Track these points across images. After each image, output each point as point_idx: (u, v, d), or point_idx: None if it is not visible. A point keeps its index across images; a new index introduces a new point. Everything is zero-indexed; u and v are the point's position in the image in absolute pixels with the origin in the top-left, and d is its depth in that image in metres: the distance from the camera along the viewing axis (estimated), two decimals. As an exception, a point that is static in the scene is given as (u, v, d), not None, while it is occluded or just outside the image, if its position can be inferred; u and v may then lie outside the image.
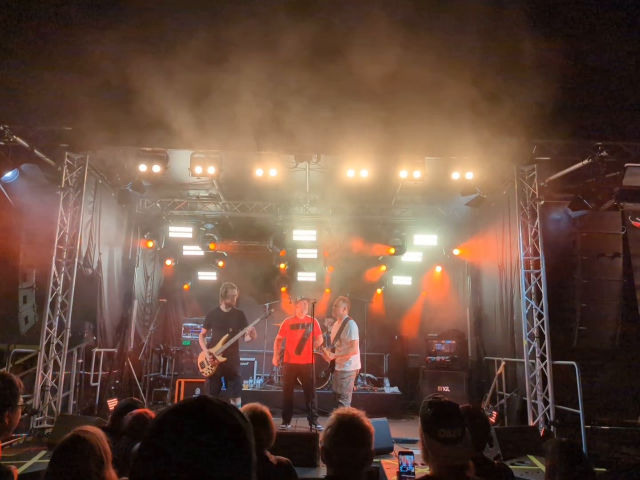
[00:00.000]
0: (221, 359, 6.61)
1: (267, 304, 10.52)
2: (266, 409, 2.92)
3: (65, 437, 2.23)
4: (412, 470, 2.66)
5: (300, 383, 7.74)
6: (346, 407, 2.18)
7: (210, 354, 6.67)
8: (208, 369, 6.67)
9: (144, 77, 5.82)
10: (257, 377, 10.37)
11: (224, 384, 6.98)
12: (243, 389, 7.82)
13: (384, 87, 5.95)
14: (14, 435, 6.11)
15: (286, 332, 7.67)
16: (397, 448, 6.10)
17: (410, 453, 2.75)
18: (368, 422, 2.02)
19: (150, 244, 10.22)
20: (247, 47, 5.79)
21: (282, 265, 11.59)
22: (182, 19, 6.01)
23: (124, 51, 5.62)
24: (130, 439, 3.01)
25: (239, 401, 6.72)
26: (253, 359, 10.84)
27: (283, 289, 11.98)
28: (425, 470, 2.14)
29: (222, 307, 6.94)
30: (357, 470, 1.95)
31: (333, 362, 7.34)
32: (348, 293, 11.26)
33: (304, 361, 7.23)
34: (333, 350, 7.33)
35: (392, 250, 10.37)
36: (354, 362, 7.23)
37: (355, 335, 7.24)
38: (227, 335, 6.67)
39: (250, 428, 0.93)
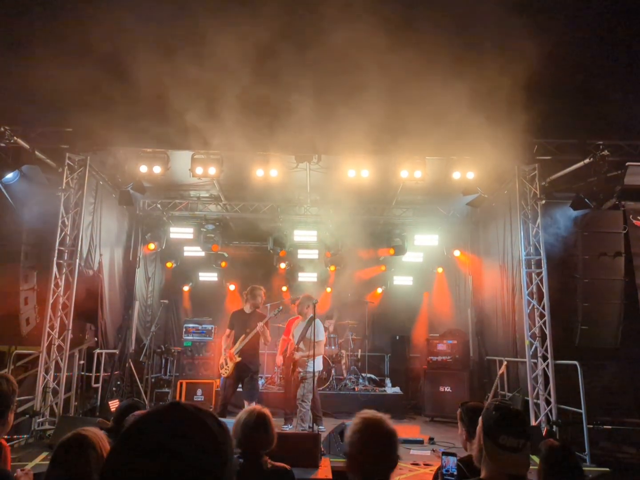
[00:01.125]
0: (237, 358, 6.61)
1: (268, 305, 10.52)
2: (266, 411, 2.88)
3: (66, 436, 2.22)
4: (455, 473, 2.54)
5: None
6: (370, 411, 2.07)
7: (230, 355, 6.68)
8: (225, 369, 6.69)
9: (143, 77, 5.81)
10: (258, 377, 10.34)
11: (241, 384, 6.91)
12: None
13: (385, 87, 5.95)
14: (15, 437, 6.10)
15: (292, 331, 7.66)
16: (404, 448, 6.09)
17: (454, 454, 2.62)
18: (392, 425, 1.98)
19: (152, 246, 10.21)
20: (247, 47, 5.79)
21: (282, 266, 11.59)
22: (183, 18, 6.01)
23: (123, 51, 5.62)
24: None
25: (253, 405, 6.63)
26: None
27: (284, 289, 11.98)
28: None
29: (245, 309, 6.92)
30: (386, 476, 1.90)
31: (295, 363, 6.97)
32: (349, 293, 11.29)
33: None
34: (297, 351, 6.96)
35: (392, 251, 10.36)
36: (316, 363, 6.83)
37: (321, 336, 6.85)
38: (244, 335, 6.68)
39: (225, 434, 0.89)
